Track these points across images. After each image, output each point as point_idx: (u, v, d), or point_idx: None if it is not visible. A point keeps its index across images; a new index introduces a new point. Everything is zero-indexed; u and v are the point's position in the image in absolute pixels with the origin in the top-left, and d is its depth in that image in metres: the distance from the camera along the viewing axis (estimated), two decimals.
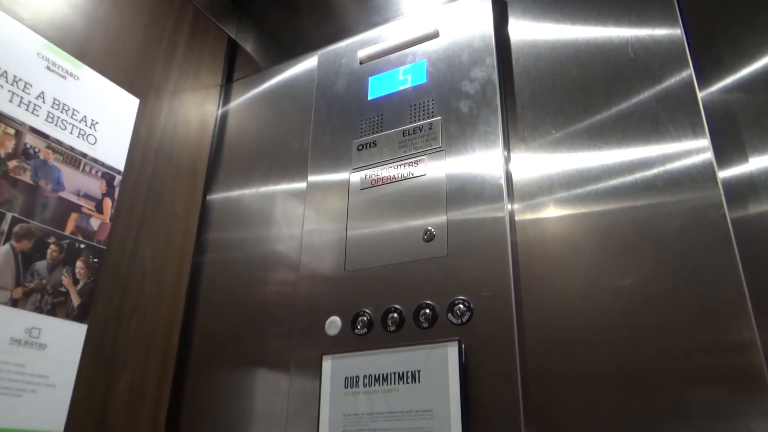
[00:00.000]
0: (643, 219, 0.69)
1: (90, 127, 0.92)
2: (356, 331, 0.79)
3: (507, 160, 0.81)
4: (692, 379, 0.60)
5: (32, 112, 0.84)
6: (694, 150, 0.69)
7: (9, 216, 0.78)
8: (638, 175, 0.71)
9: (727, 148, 0.71)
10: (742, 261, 0.62)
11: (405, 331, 0.76)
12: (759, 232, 0.67)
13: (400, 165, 0.87)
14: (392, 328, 0.77)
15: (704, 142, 0.69)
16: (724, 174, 0.70)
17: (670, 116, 0.72)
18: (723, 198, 0.65)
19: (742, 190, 0.69)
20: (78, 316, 0.85)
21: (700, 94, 0.71)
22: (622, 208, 0.71)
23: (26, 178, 0.82)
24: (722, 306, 0.61)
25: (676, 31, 0.75)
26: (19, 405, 0.75)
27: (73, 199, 0.87)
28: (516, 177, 0.80)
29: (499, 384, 0.68)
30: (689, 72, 0.73)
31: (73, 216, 0.87)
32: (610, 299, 0.68)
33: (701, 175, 0.67)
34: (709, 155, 0.68)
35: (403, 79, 0.94)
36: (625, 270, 0.68)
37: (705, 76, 0.75)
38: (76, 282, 0.85)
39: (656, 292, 0.65)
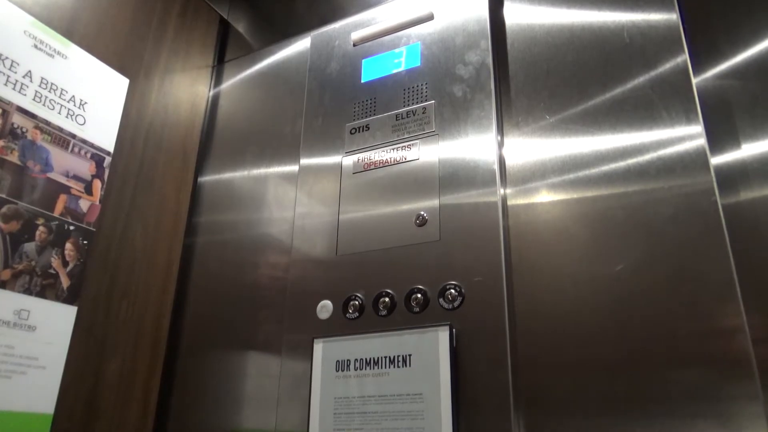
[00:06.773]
0: (635, 205, 0.69)
1: (79, 107, 0.90)
2: (347, 315, 0.79)
3: (500, 144, 0.80)
4: (681, 363, 0.61)
5: (19, 92, 0.82)
6: (687, 136, 0.69)
7: None
8: (631, 162, 0.71)
9: (720, 135, 0.71)
10: (732, 247, 0.62)
11: (396, 315, 0.76)
12: (749, 219, 0.67)
13: (393, 149, 0.86)
14: (383, 313, 0.77)
15: (698, 128, 0.68)
16: (716, 160, 0.70)
17: (664, 102, 0.71)
18: (715, 184, 0.65)
19: (734, 176, 0.69)
20: (67, 299, 0.84)
21: (694, 80, 0.71)
22: (615, 194, 0.71)
23: (14, 158, 0.80)
24: (712, 291, 0.62)
25: (672, 17, 0.75)
26: (8, 387, 0.75)
27: (62, 180, 0.86)
28: (509, 162, 0.80)
29: (490, 368, 0.68)
30: (684, 58, 0.72)
31: (62, 197, 0.86)
32: (601, 284, 0.68)
33: (694, 162, 0.67)
34: (702, 142, 0.68)
35: (396, 62, 0.93)
36: (617, 256, 0.68)
37: (700, 62, 0.75)
38: (65, 264, 0.85)
39: (647, 278, 0.66)
